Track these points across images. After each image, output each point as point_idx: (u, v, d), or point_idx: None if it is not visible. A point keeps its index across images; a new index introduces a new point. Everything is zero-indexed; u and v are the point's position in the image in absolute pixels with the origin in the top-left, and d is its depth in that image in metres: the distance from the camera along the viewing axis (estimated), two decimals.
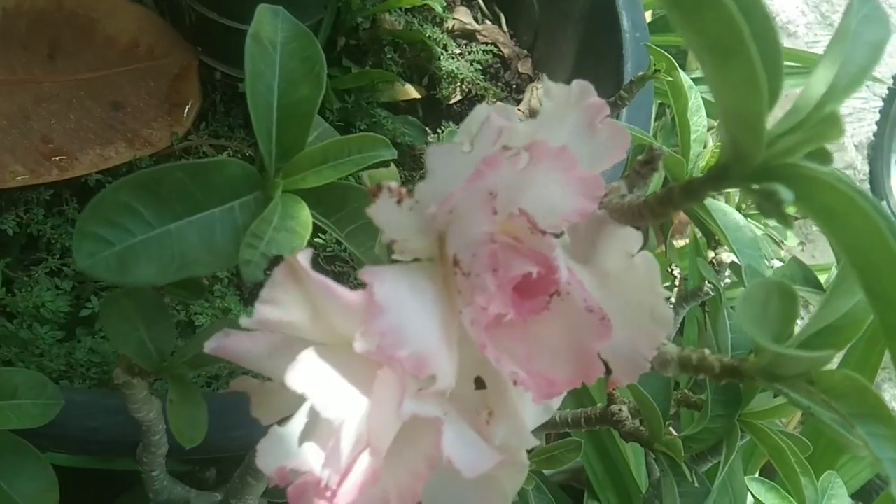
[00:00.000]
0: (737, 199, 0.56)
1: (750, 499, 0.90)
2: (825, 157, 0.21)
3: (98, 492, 0.60)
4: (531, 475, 0.50)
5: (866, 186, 2.39)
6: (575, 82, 0.24)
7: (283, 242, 0.31)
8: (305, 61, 0.34)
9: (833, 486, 0.72)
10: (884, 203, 2.28)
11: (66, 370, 0.52)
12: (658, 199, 0.22)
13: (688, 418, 0.40)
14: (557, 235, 0.27)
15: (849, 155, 2.52)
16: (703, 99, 0.50)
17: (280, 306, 0.24)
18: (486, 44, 0.90)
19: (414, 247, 0.25)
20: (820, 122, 0.18)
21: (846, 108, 2.62)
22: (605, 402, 0.41)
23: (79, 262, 0.27)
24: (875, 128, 2.40)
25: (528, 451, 0.54)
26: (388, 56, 0.82)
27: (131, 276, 0.28)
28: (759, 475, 0.66)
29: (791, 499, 0.67)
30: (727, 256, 0.55)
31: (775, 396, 0.36)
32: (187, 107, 0.77)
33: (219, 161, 0.30)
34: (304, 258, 0.23)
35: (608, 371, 0.26)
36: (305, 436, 0.24)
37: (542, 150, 0.22)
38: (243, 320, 0.24)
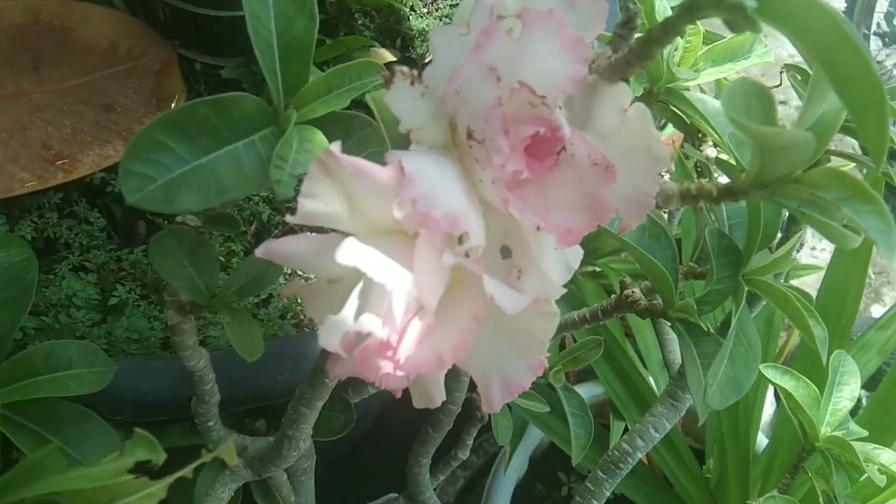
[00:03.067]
0: (712, 95, 0.58)
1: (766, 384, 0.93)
2: None
3: None
4: (559, 376, 0.53)
5: None
6: None
7: (306, 162, 0.33)
8: (296, 0, 0.36)
9: (844, 363, 0.75)
10: None
11: (107, 348, 0.54)
12: (641, 43, 0.25)
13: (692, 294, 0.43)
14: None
15: None
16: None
17: (318, 198, 0.26)
18: None
19: (429, 135, 0.28)
20: None
21: None
22: (608, 298, 0.44)
23: (128, 198, 0.30)
24: None
25: (550, 358, 0.57)
26: (360, 23, 0.84)
27: (177, 205, 0.30)
28: None
29: (804, 379, 0.70)
30: (712, 152, 0.58)
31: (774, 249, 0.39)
32: (174, 100, 0.79)
33: (235, 96, 0.33)
34: (335, 147, 0.26)
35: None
36: (360, 310, 0.27)
37: (532, 14, 0.25)
38: (288, 217, 0.27)
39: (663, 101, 0.51)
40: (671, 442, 0.97)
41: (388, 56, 0.87)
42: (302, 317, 0.65)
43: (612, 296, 0.46)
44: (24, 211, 0.67)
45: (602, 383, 0.93)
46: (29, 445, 0.44)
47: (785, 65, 0.40)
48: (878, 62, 2.43)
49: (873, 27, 2.35)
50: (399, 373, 0.26)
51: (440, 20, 0.89)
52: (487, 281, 0.25)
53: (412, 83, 0.25)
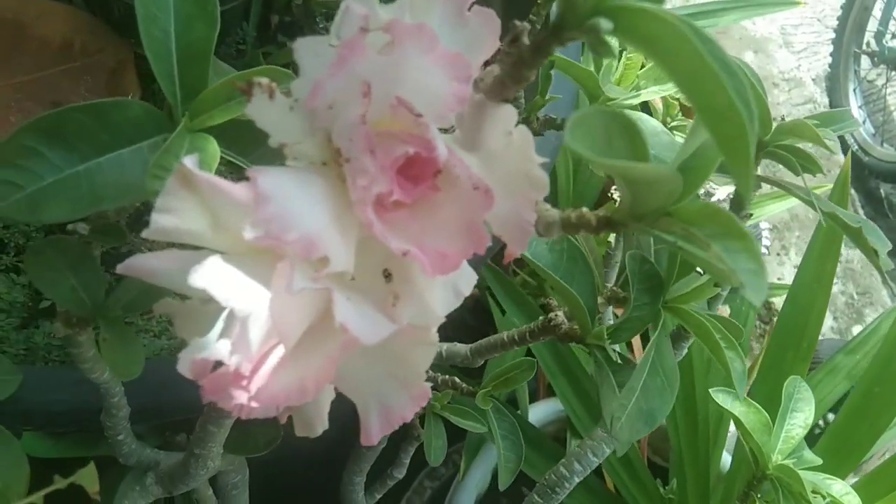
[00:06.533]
0: (661, 114, 0.57)
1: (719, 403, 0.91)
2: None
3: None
4: (489, 398, 0.52)
5: None
6: None
7: None
8: (198, 2, 0.35)
9: (798, 389, 0.74)
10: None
11: (26, 354, 0.53)
12: (512, 63, 0.23)
13: None
14: (449, 130, 0.28)
15: (807, 90, 2.55)
16: None
17: (175, 214, 0.25)
18: None
19: (305, 150, 0.26)
20: None
21: (800, 43, 2.64)
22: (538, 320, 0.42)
23: None
24: (830, 59, 2.43)
25: (484, 377, 0.55)
26: (321, 26, 0.83)
27: (43, 216, 0.29)
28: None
29: (755, 404, 0.69)
30: None
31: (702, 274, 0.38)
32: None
33: (119, 101, 0.31)
34: (190, 162, 0.24)
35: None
36: (220, 335, 0.26)
37: (400, 27, 0.24)
38: (144, 233, 0.25)
39: None
40: (630, 463, 0.96)
41: None
42: None
43: (540, 318, 0.45)
44: None
45: (560, 401, 0.91)
46: None
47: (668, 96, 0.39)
48: (869, 81, 2.43)
49: (864, 46, 2.34)
50: (254, 404, 0.24)
51: None
52: (340, 308, 0.23)
53: (270, 96, 0.24)
